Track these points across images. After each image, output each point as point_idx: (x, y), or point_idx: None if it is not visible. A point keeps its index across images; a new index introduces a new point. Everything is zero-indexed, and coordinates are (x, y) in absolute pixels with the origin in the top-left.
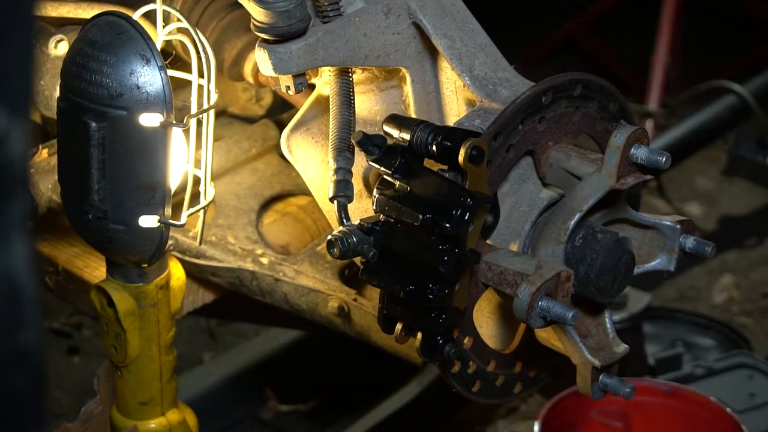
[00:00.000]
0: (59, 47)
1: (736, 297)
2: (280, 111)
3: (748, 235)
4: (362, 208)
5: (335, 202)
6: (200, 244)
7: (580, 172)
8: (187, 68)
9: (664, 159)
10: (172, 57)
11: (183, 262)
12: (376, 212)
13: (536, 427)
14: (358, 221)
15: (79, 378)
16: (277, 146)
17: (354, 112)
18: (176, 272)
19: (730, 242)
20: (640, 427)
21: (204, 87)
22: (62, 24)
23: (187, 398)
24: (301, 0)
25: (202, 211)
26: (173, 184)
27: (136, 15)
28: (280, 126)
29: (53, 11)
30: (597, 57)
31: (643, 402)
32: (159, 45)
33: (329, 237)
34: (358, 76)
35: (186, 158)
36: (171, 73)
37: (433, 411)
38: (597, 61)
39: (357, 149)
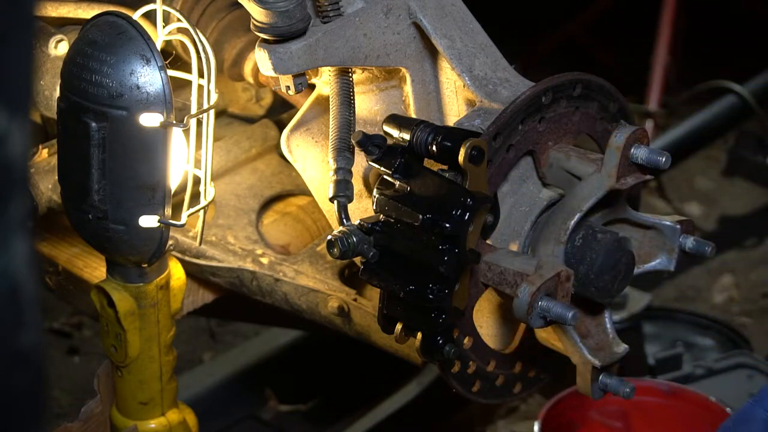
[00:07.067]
0: (59, 47)
1: (736, 297)
2: (280, 111)
3: (748, 235)
4: (362, 208)
5: (335, 202)
6: (200, 244)
7: (580, 172)
8: (187, 68)
9: (664, 159)
10: (172, 57)
11: (183, 262)
12: (376, 212)
13: (536, 427)
14: (358, 221)
15: (79, 378)
16: (277, 146)
17: (354, 112)
18: (176, 272)
19: (730, 242)
20: (640, 427)
21: (204, 87)
22: (62, 24)
23: (187, 398)
24: (301, 0)
25: (202, 211)
26: (173, 184)
27: (136, 15)
28: (280, 126)
29: (53, 11)
30: (597, 57)
31: (643, 402)
32: (159, 45)
33: (329, 237)
34: (358, 76)
35: (186, 158)
36: (171, 73)
37: (433, 411)
38: (597, 61)
39: (357, 149)
